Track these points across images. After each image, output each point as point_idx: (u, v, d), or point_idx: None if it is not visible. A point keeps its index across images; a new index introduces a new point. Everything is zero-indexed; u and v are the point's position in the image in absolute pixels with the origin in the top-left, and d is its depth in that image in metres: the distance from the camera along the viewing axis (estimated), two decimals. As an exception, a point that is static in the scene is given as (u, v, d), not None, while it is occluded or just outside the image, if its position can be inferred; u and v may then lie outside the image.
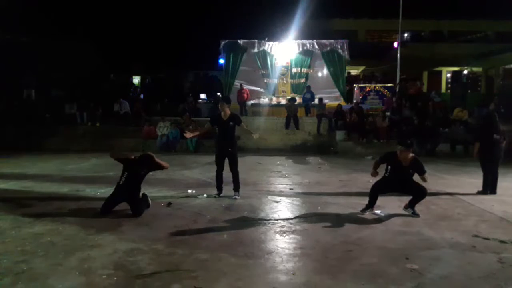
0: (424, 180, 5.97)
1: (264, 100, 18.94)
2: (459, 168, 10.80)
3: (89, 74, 21.25)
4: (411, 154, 5.93)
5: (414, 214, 5.90)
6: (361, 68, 25.83)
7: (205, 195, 7.15)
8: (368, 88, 18.96)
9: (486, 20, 25.47)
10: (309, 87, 18.18)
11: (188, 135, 7.58)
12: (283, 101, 18.18)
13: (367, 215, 5.99)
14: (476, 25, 25.83)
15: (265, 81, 19.46)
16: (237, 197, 7.00)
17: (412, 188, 5.98)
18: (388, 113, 15.68)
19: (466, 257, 4.31)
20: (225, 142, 7.05)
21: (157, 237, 4.81)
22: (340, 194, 7.56)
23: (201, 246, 4.54)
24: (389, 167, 6.04)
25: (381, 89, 18.65)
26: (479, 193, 7.57)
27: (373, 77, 22.23)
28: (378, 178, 6.25)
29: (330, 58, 19.04)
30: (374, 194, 6.07)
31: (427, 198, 7.03)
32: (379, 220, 5.77)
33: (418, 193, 5.93)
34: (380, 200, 6.52)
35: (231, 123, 7.03)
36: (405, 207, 6.04)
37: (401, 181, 5.97)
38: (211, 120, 7.36)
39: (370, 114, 16.44)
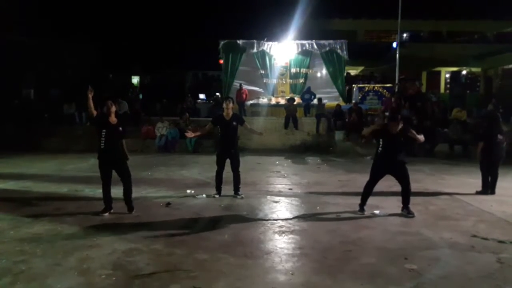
0: (415, 137, 5.98)
1: (263, 100, 18.94)
2: (458, 168, 10.81)
3: (88, 74, 21.23)
4: (400, 125, 5.93)
5: (409, 214, 5.91)
6: (360, 68, 25.85)
7: (204, 195, 7.15)
8: (367, 88, 18.97)
9: (485, 20, 25.50)
10: (309, 88, 18.13)
11: (189, 134, 7.59)
12: (282, 101, 18.18)
13: (366, 215, 5.99)
14: (475, 26, 25.88)
15: (264, 81, 19.45)
16: (242, 196, 7.02)
17: (400, 172, 5.95)
18: (387, 113, 15.68)
19: (465, 257, 4.31)
20: (228, 142, 7.04)
21: (156, 237, 4.81)
22: (339, 194, 7.56)
23: (200, 246, 4.54)
24: (380, 141, 6.03)
25: (380, 89, 18.65)
26: (478, 193, 7.57)
27: (372, 77, 22.23)
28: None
29: (329, 58, 19.05)
30: (369, 190, 6.10)
31: (426, 198, 7.09)
32: (378, 220, 5.77)
33: (404, 181, 5.95)
34: (380, 200, 6.54)
35: (234, 123, 7.02)
36: (402, 210, 6.05)
37: (393, 154, 5.91)
38: (214, 120, 7.33)
39: (369, 114, 16.43)
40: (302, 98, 17.92)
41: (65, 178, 8.96)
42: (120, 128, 5.88)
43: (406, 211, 5.96)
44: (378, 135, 6.14)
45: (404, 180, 5.98)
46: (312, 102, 17.42)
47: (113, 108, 5.86)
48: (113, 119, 5.83)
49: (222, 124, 7.07)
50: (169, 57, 27.92)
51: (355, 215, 5.99)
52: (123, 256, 4.21)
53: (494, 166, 7.61)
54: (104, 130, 5.74)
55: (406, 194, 6.00)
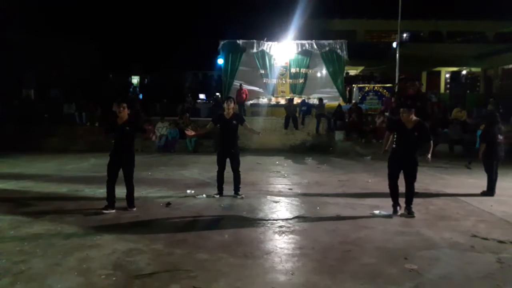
0: (429, 148, 5.95)
1: (263, 100, 18.95)
2: (458, 168, 10.81)
3: (88, 74, 21.24)
4: (414, 117, 5.96)
5: (409, 214, 5.90)
6: (360, 68, 25.84)
7: (204, 195, 7.14)
8: (367, 88, 18.98)
9: (484, 20, 25.50)
10: (304, 100, 17.88)
11: (190, 132, 7.64)
12: (282, 101, 18.18)
13: (367, 215, 5.99)
14: (474, 26, 25.86)
15: (264, 81, 19.46)
16: (242, 196, 7.02)
17: (410, 169, 5.90)
18: (387, 113, 15.68)
19: (465, 257, 4.31)
20: (228, 142, 7.03)
21: (156, 237, 4.80)
22: (339, 194, 7.56)
23: (200, 246, 4.53)
24: (395, 136, 6.05)
25: (380, 89, 18.66)
26: (483, 194, 7.48)
27: (372, 77, 22.22)
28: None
29: (329, 58, 19.06)
30: (393, 186, 6.04)
31: (426, 198, 7.09)
32: (378, 220, 5.77)
33: (410, 179, 5.92)
34: (380, 200, 6.54)
35: (234, 121, 7.02)
36: (404, 210, 6.04)
37: (406, 150, 5.90)
38: (214, 119, 7.32)
39: (369, 114, 16.43)
40: (300, 110, 17.78)
41: (65, 178, 8.95)
42: (127, 128, 6.00)
43: (407, 211, 5.95)
44: (393, 127, 6.15)
45: (410, 178, 5.94)
46: (312, 102, 17.42)
47: (123, 110, 6.01)
48: (122, 120, 6.01)
49: (222, 123, 7.07)
50: (169, 57, 27.92)
51: (355, 215, 5.98)
52: (123, 256, 4.20)
53: (495, 166, 7.61)
54: (113, 133, 6.02)
55: (409, 193, 5.98)
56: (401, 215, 5.94)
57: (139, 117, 16.49)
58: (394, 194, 6.05)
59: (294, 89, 19.38)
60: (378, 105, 18.11)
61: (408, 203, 5.99)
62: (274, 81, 19.46)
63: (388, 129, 6.44)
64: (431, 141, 6.05)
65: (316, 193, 7.63)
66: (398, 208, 6.02)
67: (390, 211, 6.14)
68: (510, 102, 16.62)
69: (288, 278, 3.75)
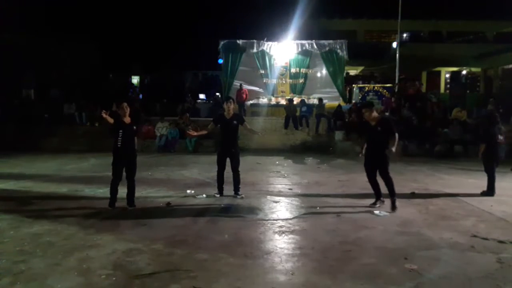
0: (393, 142, 6.02)
1: (263, 100, 18.96)
2: (458, 168, 10.80)
3: (88, 74, 21.24)
4: (376, 114, 6.24)
5: (392, 210, 6.04)
6: (360, 68, 25.84)
7: (204, 195, 7.15)
8: (367, 88, 18.98)
9: (485, 20, 25.50)
10: (303, 100, 17.83)
11: (192, 133, 7.70)
12: (282, 101, 18.19)
13: (367, 215, 5.99)
14: (475, 26, 25.86)
15: (264, 81, 19.47)
16: (242, 196, 7.03)
17: (379, 164, 6.12)
18: (387, 113, 15.69)
19: (465, 257, 4.31)
20: (228, 142, 7.05)
21: (156, 237, 4.81)
22: (339, 194, 7.56)
23: (200, 246, 4.53)
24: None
25: (380, 89, 18.67)
26: (483, 194, 7.47)
27: (372, 77, 22.25)
28: None
29: (329, 58, 19.09)
30: (371, 182, 6.37)
31: (426, 198, 7.09)
32: (378, 220, 5.77)
33: (382, 175, 6.13)
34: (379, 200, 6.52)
35: (234, 121, 7.05)
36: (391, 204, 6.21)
37: (373, 147, 6.17)
38: (215, 119, 7.34)
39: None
40: (300, 111, 17.74)
41: (65, 178, 8.95)
42: (134, 127, 6.31)
43: (391, 205, 6.10)
44: (363, 130, 6.48)
45: (381, 170, 6.15)
46: (313, 102, 17.43)
47: (128, 110, 6.23)
48: (127, 119, 6.20)
49: (222, 123, 7.09)
50: (169, 57, 27.90)
51: (355, 215, 5.98)
52: (123, 256, 4.21)
53: (495, 166, 7.62)
54: (121, 131, 6.11)
55: (387, 186, 6.15)
56: (401, 215, 5.96)
57: (139, 116, 16.53)
58: (374, 189, 6.39)
59: (294, 89, 19.39)
60: (378, 105, 18.09)
61: (391, 195, 6.13)
62: (274, 81, 19.48)
63: (359, 133, 6.67)
64: (396, 135, 6.13)
65: (316, 193, 7.63)
66: (380, 199, 6.37)
67: (390, 211, 6.15)
68: (510, 102, 16.61)
69: (288, 278, 3.75)
